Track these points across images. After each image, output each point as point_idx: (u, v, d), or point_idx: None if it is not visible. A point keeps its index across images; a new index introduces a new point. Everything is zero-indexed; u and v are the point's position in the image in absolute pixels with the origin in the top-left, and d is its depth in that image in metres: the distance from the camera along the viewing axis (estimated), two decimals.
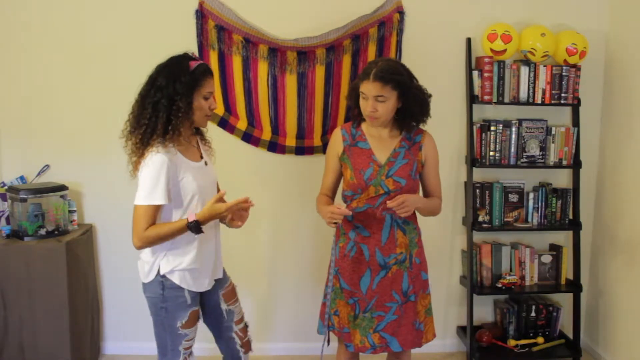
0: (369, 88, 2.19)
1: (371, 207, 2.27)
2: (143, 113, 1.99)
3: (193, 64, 2.02)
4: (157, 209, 1.99)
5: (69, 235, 2.94)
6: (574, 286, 3.30)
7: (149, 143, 1.98)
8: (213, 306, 2.27)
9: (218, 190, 2.29)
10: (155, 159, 1.96)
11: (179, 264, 2.06)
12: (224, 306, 2.28)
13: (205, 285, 2.17)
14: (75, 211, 3.07)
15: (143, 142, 1.99)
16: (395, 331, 2.30)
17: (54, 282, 2.80)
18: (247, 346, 2.35)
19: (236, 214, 2.12)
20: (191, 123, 2.08)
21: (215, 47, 3.05)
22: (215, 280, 2.25)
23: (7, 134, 3.13)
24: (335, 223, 2.19)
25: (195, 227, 1.98)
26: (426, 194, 2.43)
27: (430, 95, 2.31)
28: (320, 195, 2.45)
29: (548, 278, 3.33)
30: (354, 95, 2.30)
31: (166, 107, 1.97)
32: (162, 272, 2.06)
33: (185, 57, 2.05)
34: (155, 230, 1.98)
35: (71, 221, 3.05)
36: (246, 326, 2.37)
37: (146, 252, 2.09)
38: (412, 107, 2.24)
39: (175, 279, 2.07)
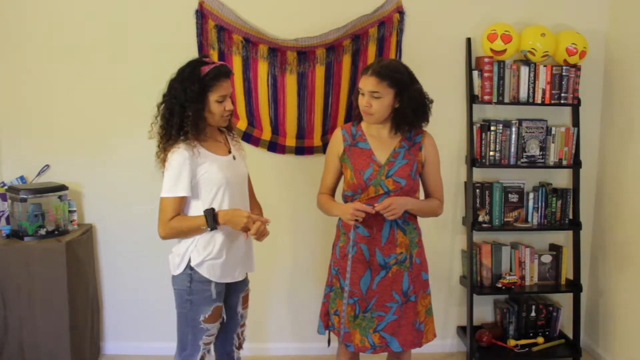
0: (365, 83, 2.21)
1: (371, 207, 2.27)
2: (163, 116, 2.11)
3: (205, 69, 2.07)
4: (181, 200, 2.09)
5: (69, 235, 2.94)
6: (574, 286, 3.30)
7: (167, 144, 2.10)
8: (233, 307, 2.32)
9: (250, 187, 2.37)
10: (177, 155, 2.06)
11: (207, 254, 2.12)
12: (239, 309, 2.34)
13: (233, 276, 2.21)
14: (75, 211, 3.07)
15: (163, 143, 2.12)
16: (395, 331, 2.30)
17: (54, 282, 2.80)
18: (240, 345, 2.42)
19: (258, 233, 2.12)
20: (206, 125, 2.14)
21: (215, 47, 3.05)
22: (241, 281, 2.29)
23: (7, 134, 3.13)
24: (356, 220, 2.20)
25: (211, 215, 2.04)
26: (426, 195, 2.43)
27: (431, 101, 2.31)
28: (322, 194, 2.45)
29: (548, 278, 3.33)
30: (358, 92, 2.31)
31: (179, 113, 2.06)
32: (192, 264, 2.12)
33: (198, 63, 2.11)
34: (179, 221, 2.08)
35: (71, 221, 3.05)
36: (244, 329, 2.42)
37: (177, 245, 2.16)
38: (406, 109, 2.24)
39: (204, 271, 2.12)
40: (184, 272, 2.13)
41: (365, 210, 2.18)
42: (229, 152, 2.24)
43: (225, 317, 2.27)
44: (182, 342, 2.21)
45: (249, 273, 2.37)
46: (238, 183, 2.22)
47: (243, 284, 2.33)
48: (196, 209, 2.13)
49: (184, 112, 2.05)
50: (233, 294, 2.30)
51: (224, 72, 2.11)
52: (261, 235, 2.11)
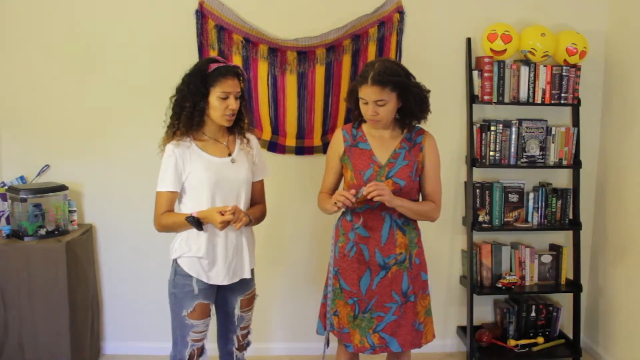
0: (367, 93, 2.18)
1: (370, 207, 2.27)
2: (173, 111, 2.19)
3: (212, 66, 2.12)
4: (170, 195, 2.16)
5: (69, 235, 2.94)
6: (574, 286, 3.30)
7: (172, 137, 2.16)
8: (228, 308, 2.33)
9: (255, 189, 2.37)
10: (167, 150, 2.15)
11: (187, 250, 2.17)
12: (237, 311, 2.33)
13: (218, 279, 2.20)
14: (75, 211, 3.07)
15: (168, 136, 2.19)
16: (394, 331, 2.30)
17: (54, 282, 2.80)
18: (242, 347, 2.42)
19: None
20: (210, 121, 2.18)
21: (215, 47, 3.05)
22: (240, 284, 2.28)
23: (7, 134, 3.13)
24: (341, 207, 2.20)
25: (194, 222, 2.09)
26: (423, 197, 2.40)
27: (428, 91, 2.30)
28: (322, 193, 2.45)
29: (548, 278, 3.34)
30: (353, 98, 2.29)
31: (180, 104, 2.13)
32: (174, 256, 2.19)
33: (208, 60, 2.18)
34: (167, 217, 2.15)
35: (71, 221, 3.05)
36: (248, 332, 2.42)
37: (172, 238, 2.23)
38: (412, 106, 2.24)
39: (185, 265, 2.17)
40: (172, 263, 2.21)
41: (346, 196, 2.14)
42: (229, 154, 2.23)
43: (216, 316, 2.29)
44: (174, 337, 2.26)
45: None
46: (232, 186, 2.21)
47: (241, 286, 2.30)
48: (185, 206, 2.19)
49: (184, 104, 2.11)
50: (229, 295, 2.30)
51: (232, 71, 2.14)
52: (236, 222, 2.09)
